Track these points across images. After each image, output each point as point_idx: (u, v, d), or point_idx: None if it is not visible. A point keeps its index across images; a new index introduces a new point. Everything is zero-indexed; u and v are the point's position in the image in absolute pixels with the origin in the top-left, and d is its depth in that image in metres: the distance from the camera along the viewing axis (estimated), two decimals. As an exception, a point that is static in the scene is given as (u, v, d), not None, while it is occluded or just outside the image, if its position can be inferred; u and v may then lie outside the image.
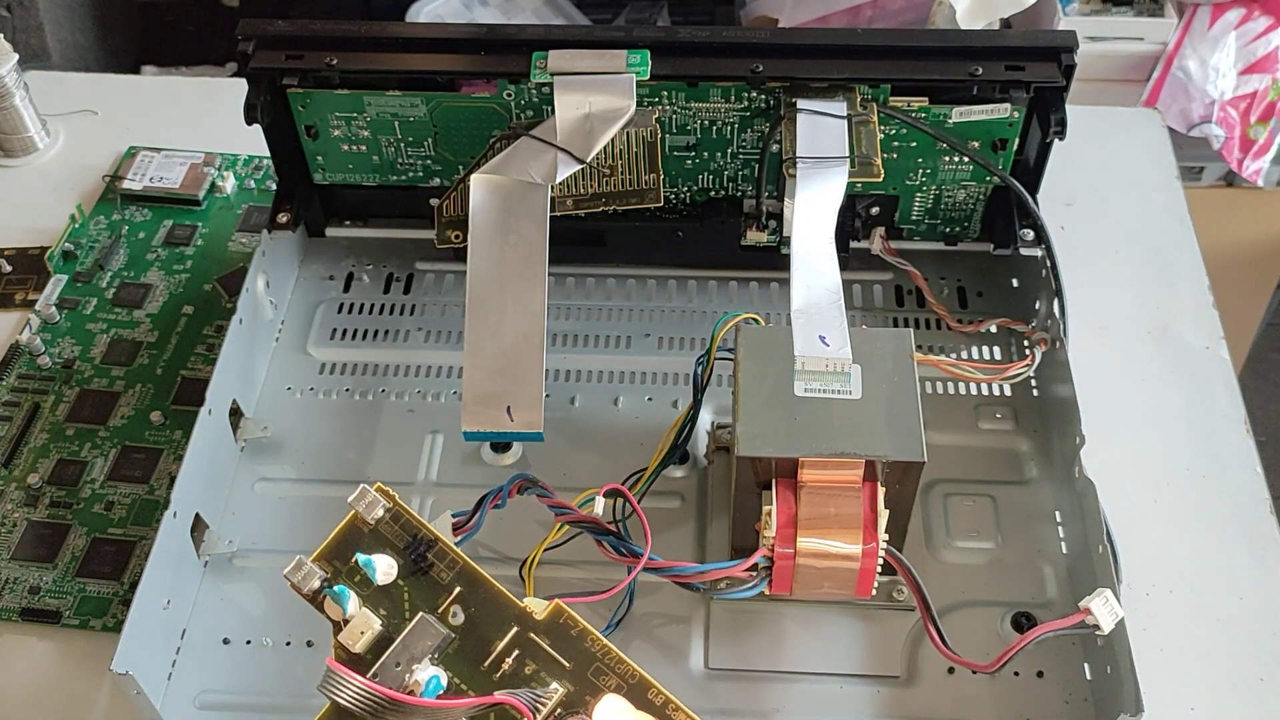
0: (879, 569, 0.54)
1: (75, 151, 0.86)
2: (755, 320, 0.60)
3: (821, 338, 0.57)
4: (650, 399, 0.69)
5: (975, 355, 0.71)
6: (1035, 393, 0.68)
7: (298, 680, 0.59)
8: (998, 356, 0.71)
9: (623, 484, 0.58)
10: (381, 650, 0.43)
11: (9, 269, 0.78)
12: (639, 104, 0.64)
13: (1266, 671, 0.59)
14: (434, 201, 0.71)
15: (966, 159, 0.69)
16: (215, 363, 0.65)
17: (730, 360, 0.59)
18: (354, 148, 0.72)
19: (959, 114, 0.67)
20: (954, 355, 0.70)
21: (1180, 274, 0.76)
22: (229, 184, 0.82)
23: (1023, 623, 0.59)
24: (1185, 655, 0.60)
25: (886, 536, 0.54)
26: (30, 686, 0.60)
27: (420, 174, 0.73)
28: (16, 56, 0.83)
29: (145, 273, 0.77)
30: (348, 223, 0.77)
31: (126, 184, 0.81)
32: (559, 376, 0.70)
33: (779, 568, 0.54)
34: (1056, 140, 0.66)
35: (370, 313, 0.74)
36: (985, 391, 0.69)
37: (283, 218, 0.72)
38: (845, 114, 0.64)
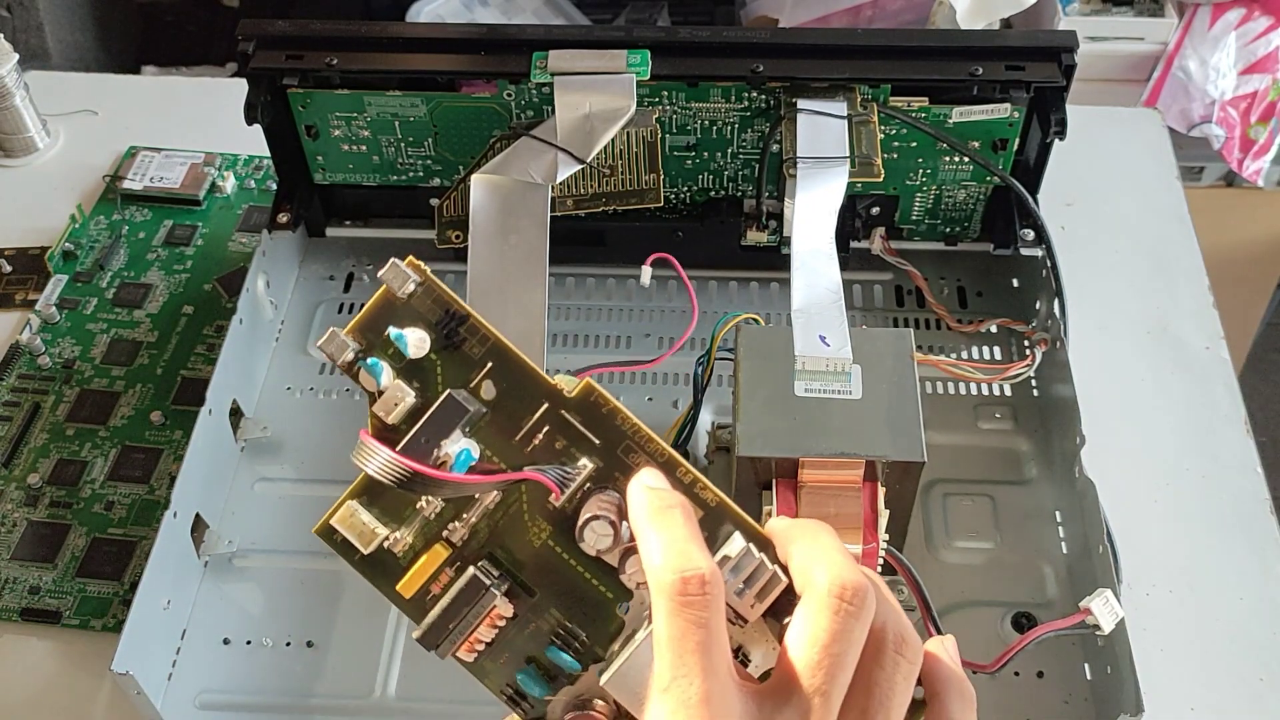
0: (879, 569, 0.54)
1: (75, 151, 0.86)
2: (755, 320, 0.59)
3: (821, 338, 0.57)
4: (650, 399, 0.69)
5: (975, 355, 0.71)
6: (1035, 393, 0.68)
7: (298, 680, 0.59)
8: (998, 356, 0.71)
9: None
10: (415, 422, 0.43)
11: (9, 269, 0.78)
12: (639, 104, 0.64)
13: (1266, 671, 0.59)
14: (434, 201, 0.71)
15: (966, 159, 0.69)
16: (215, 363, 0.65)
17: (730, 360, 0.59)
18: (354, 148, 0.72)
19: (959, 114, 0.67)
20: (954, 355, 0.70)
21: (1180, 274, 0.76)
22: (229, 184, 0.82)
23: (1023, 623, 0.59)
24: (1185, 655, 0.60)
25: (886, 536, 0.54)
26: (30, 686, 0.60)
27: (420, 174, 0.73)
28: (16, 56, 0.83)
29: (145, 273, 0.77)
30: (348, 223, 0.77)
31: (126, 184, 0.81)
32: (559, 376, 0.70)
33: (779, 568, 0.54)
34: (1056, 140, 0.66)
35: (370, 313, 0.74)
36: (985, 391, 0.69)
37: (283, 218, 0.72)
38: (845, 114, 0.64)
